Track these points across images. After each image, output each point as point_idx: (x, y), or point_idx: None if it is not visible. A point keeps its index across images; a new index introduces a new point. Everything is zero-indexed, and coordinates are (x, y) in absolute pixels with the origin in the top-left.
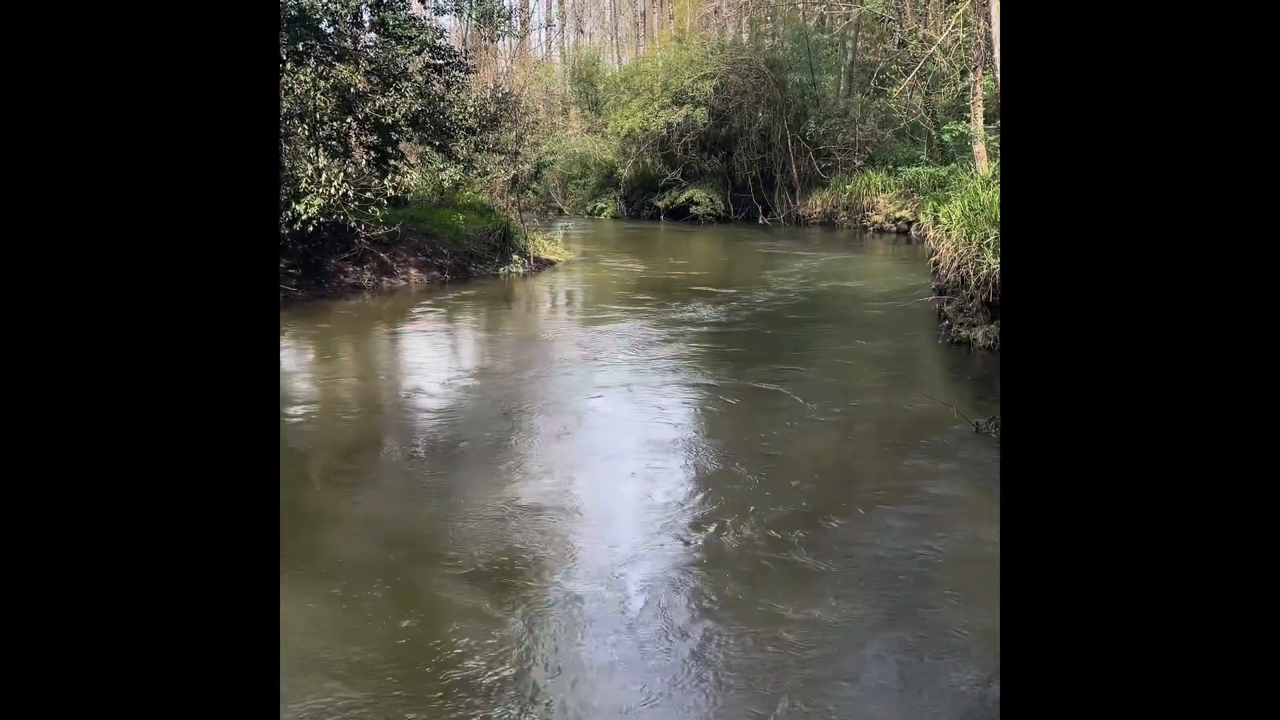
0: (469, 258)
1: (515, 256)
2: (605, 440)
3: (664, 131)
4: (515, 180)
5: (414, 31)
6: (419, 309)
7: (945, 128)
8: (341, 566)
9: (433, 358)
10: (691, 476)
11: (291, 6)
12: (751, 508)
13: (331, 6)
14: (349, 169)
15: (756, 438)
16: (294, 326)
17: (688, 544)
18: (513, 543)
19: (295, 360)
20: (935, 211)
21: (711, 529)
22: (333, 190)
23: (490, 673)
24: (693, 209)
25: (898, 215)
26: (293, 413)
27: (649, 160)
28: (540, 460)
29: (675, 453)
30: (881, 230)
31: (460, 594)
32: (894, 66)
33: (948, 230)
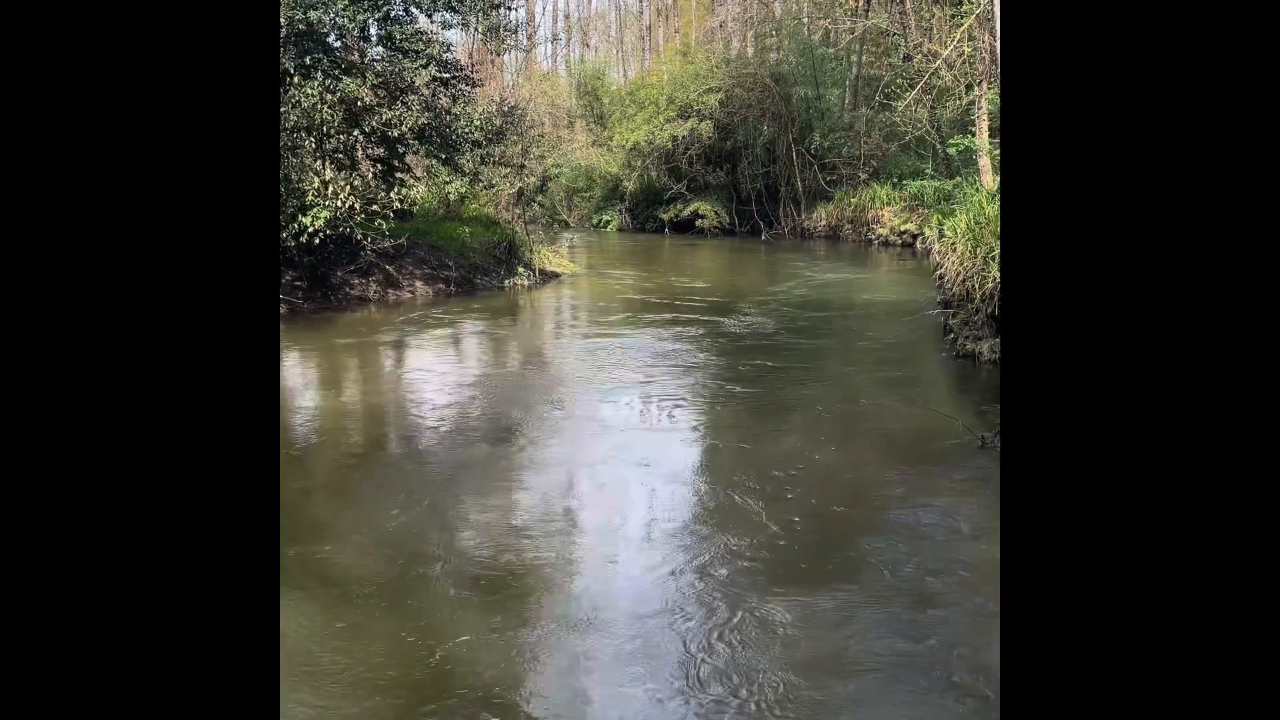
0: (474, 270)
1: (520, 269)
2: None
3: (669, 145)
4: (521, 193)
5: (420, 45)
6: (419, 325)
7: (950, 142)
8: None
9: (416, 391)
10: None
11: (299, 21)
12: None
13: (339, 21)
14: (355, 182)
15: (766, 466)
16: (299, 339)
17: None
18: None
19: (293, 376)
20: (940, 225)
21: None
22: (339, 203)
23: None
24: (698, 222)
25: (903, 229)
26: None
27: (654, 173)
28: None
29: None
30: (886, 243)
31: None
32: (899, 80)
33: (953, 244)
